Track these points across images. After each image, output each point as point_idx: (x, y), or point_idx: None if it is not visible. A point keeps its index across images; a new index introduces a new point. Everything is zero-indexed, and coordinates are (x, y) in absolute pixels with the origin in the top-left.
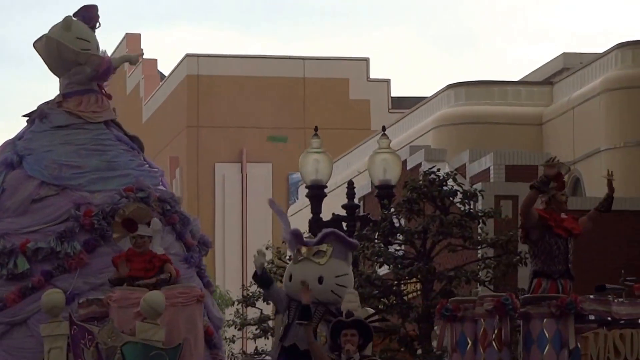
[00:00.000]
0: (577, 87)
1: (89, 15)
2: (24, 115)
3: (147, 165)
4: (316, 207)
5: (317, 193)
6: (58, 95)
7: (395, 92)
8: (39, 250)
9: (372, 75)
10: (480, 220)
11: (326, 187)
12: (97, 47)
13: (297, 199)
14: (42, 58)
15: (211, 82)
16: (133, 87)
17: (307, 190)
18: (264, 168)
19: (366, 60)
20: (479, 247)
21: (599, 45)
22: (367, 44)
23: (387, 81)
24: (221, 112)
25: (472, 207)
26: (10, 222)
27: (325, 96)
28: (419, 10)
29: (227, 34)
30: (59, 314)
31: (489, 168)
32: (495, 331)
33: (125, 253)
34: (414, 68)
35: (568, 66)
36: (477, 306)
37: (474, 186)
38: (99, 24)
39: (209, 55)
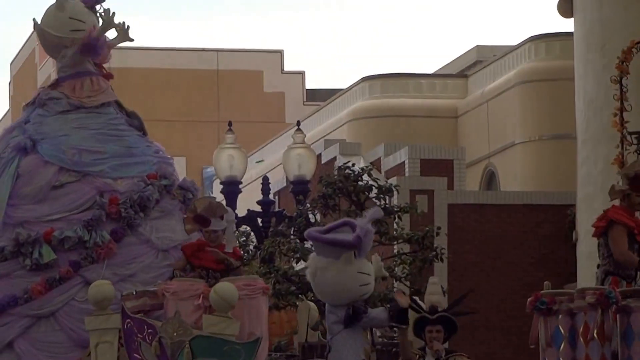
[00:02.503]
0: (491, 80)
1: None
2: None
3: (161, 152)
4: (231, 203)
5: (232, 189)
6: (53, 80)
7: (310, 84)
8: (66, 239)
9: (287, 68)
10: (396, 216)
11: (241, 182)
12: (95, 27)
13: (212, 193)
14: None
15: (123, 75)
16: (44, 79)
17: (221, 186)
18: (178, 162)
19: (280, 53)
20: (395, 243)
21: (512, 37)
22: (281, 36)
23: (302, 73)
24: (133, 104)
25: (387, 202)
26: (29, 210)
27: (239, 89)
28: (333, 2)
29: (139, 26)
30: (108, 307)
31: (404, 162)
32: (597, 325)
33: (196, 243)
34: (329, 60)
35: (482, 59)
36: (576, 299)
37: (389, 181)
38: (100, 4)
39: (120, 48)
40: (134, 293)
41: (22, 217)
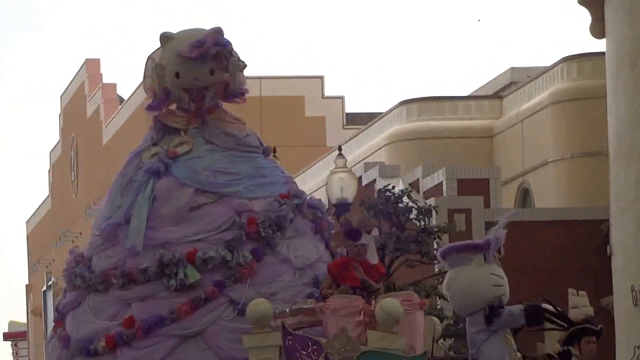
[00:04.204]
0: (526, 100)
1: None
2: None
3: (285, 172)
4: None
5: (343, 211)
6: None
7: (350, 108)
8: (209, 260)
9: (327, 93)
10: (436, 235)
11: (351, 204)
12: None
13: None
14: None
15: None
16: (93, 111)
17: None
18: None
19: (321, 78)
20: (436, 262)
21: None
22: (322, 61)
23: (342, 98)
24: None
25: (427, 222)
26: (169, 231)
27: (281, 114)
28: (371, 29)
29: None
30: (267, 324)
31: (441, 183)
32: None
33: (340, 261)
34: (368, 85)
35: (516, 80)
36: None
37: (428, 202)
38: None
39: None
40: (287, 311)
41: (162, 238)
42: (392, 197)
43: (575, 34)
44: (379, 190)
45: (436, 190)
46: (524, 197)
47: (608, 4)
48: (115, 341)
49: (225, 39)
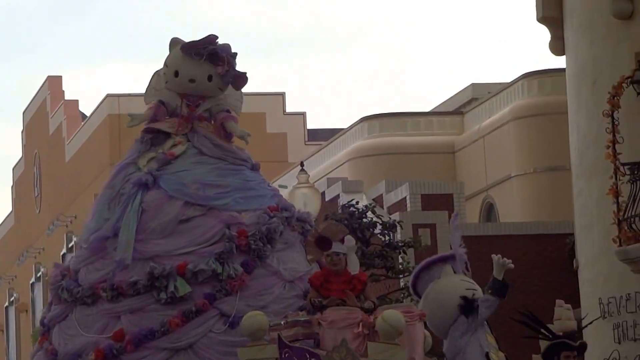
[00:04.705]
0: (487, 116)
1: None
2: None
3: (271, 185)
4: None
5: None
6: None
7: (311, 124)
8: (200, 272)
9: (289, 109)
10: (401, 250)
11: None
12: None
13: None
14: None
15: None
16: (55, 128)
17: None
18: None
19: (282, 95)
20: (402, 277)
21: (506, 75)
22: (282, 78)
23: (303, 114)
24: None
25: (391, 237)
26: (158, 244)
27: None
28: (331, 45)
29: (147, 74)
30: (262, 337)
31: (405, 198)
32: None
33: (322, 273)
34: (329, 101)
35: (477, 96)
36: None
37: (392, 216)
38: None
39: (129, 95)
40: (282, 323)
41: (152, 251)
42: (356, 212)
43: (535, 51)
44: (343, 205)
45: (400, 205)
46: (489, 211)
47: (567, 22)
48: (105, 354)
49: (227, 46)
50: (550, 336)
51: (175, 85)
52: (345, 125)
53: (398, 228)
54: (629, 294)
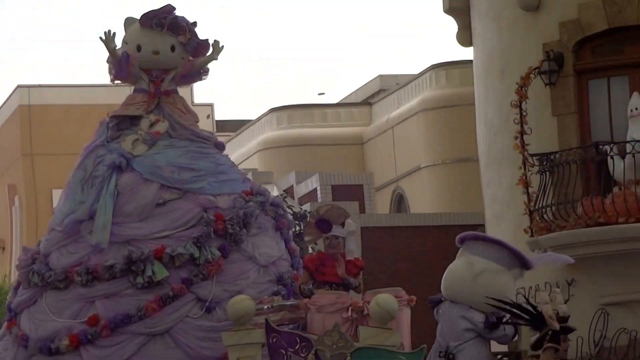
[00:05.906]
0: (395, 107)
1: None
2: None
3: (239, 169)
4: None
5: None
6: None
7: (219, 115)
8: (177, 257)
9: (196, 100)
10: None
11: None
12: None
13: None
14: None
15: (43, 111)
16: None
17: None
18: None
19: (190, 87)
20: None
21: (414, 66)
22: None
23: (211, 105)
24: (54, 139)
25: (302, 227)
26: (135, 227)
27: None
28: (239, 36)
29: (57, 64)
30: (248, 322)
31: (315, 189)
32: None
33: (317, 257)
34: (237, 92)
35: (385, 87)
36: None
37: (303, 207)
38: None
39: (40, 86)
40: (268, 307)
41: (129, 235)
42: None
43: (443, 42)
44: None
45: (311, 196)
46: (399, 202)
47: (474, 13)
48: (80, 339)
49: (183, 16)
50: (533, 320)
51: (138, 59)
52: (253, 117)
53: (309, 218)
54: (537, 284)
